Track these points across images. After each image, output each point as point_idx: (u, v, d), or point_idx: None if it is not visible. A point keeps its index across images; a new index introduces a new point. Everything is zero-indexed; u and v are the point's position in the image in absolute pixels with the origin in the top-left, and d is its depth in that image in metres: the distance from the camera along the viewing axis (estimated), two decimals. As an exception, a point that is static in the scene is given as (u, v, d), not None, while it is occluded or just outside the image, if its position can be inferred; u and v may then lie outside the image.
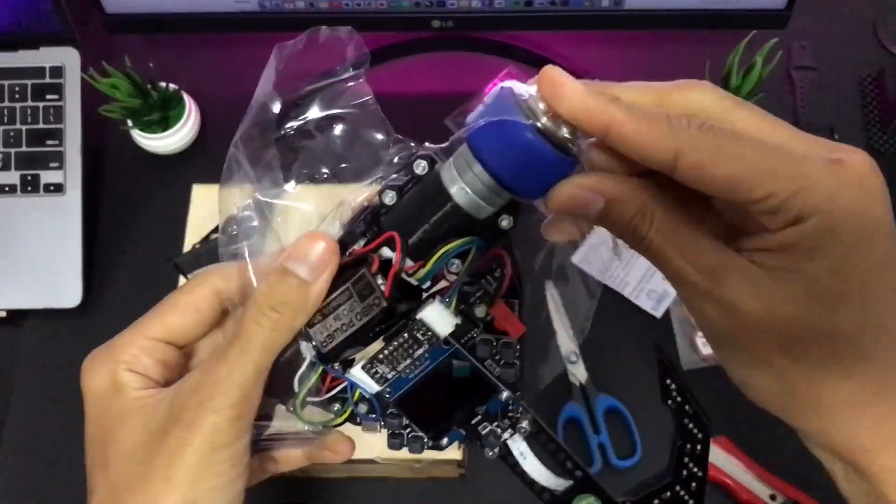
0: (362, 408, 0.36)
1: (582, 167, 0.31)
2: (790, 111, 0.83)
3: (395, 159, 0.34)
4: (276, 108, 0.35)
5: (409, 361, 0.34)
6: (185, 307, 0.36)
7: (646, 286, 0.76)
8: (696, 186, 0.28)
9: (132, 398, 0.34)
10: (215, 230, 0.76)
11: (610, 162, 0.30)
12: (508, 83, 0.30)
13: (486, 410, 0.36)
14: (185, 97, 0.81)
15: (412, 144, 0.34)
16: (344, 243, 0.34)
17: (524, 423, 0.36)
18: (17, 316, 0.78)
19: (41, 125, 0.79)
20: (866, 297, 0.28)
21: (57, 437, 0.73)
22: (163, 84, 0.78)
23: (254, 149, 0.35)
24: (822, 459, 0.32)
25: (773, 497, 0.67)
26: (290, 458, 0.39)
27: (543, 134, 0.29)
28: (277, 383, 0.35)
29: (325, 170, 0.36)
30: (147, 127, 0.79)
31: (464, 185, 0.31)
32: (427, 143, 0.33)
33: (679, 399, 0.36)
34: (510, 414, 0.36)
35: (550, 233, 0.33)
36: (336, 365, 0.35)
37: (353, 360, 0.35)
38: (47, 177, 0.78)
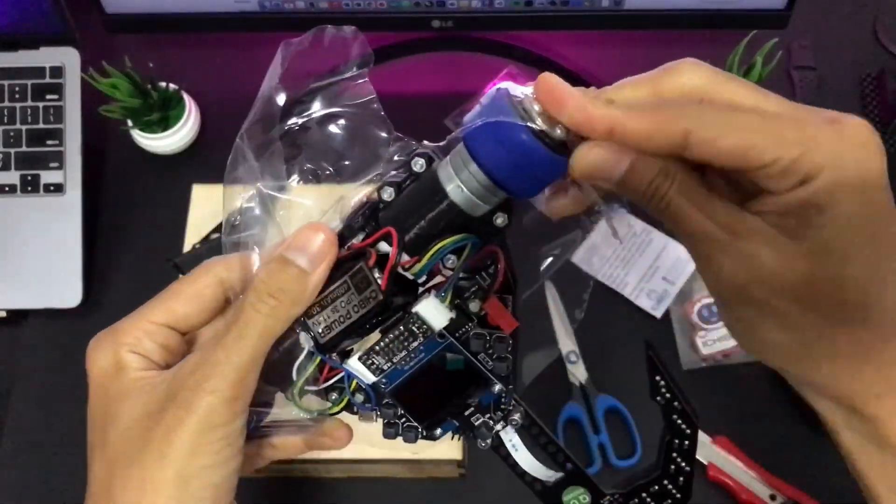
0: (359, 397, 0.36)
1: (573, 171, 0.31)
2: (790, 111, 0.83)
3: (395, 157, 0.35)
4: (281, 101, 0.36)
5: (404, 353, 0.35)
6: (189, 294, 0.37)
7: (646, 286, 0.76)
8: (707, 161, 0.29)
9: (133, 378, 0.35)
10: (215, 230, 0.76)
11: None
12: (504, 84, 0.31)
13: (478, 402, 0.36)
14: (185, 97, 0.81)
15: (412, 143, 0.35)
16: (343, 237, 0.35)
17: (516, 416, 0.37)
18: (17, 316, 0.78)
19: (41, 125, 0.79)
20: (874, 248, 0.29)
21: (57, 437, 0.74)
22: (163, 84, 0.78)
23: (258, 142, 0.36)
24: (823, 410, 0.34)
25: (773, 497, 0.67)
26: (288, 445, 0.39)
27: (537, 135, 0.30)
28: (277, 372, 0.36)
29: (325, 165, 0.37)
30: (147, 127, 0.79)
31: (460, 183, 0.32)
32: (425, 142, 0.34)
33: (668, 395, 0.37)
34: (503, 406, 0.37)
35: (553, 208, 0.34)
36: (334, 355, 0.35)
37: (351, 350, 0.36)
38: (47, 177, 0.78)
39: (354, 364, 0.35)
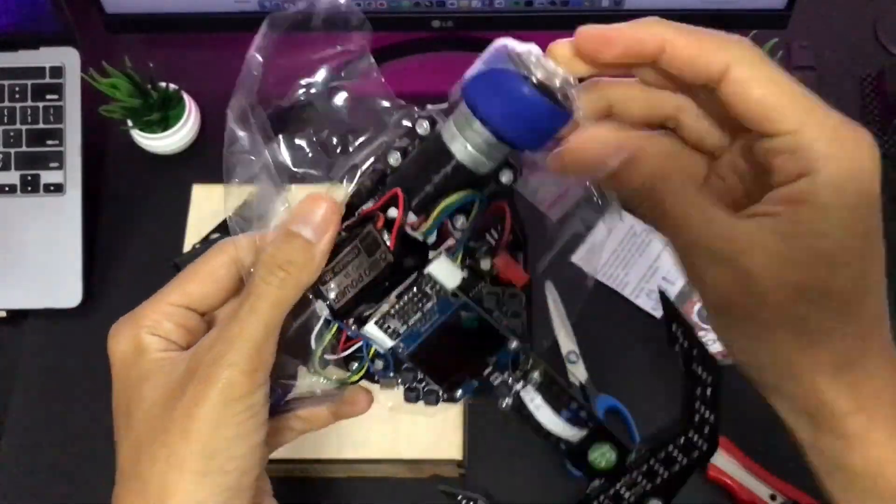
0: (378, 364, 0.37)
1: (576, 123, 0.32)
2: (790, 111, 0.83)
3: (401, 122, 0.35)
4: (257, 71, 0.36)
5: (419, 315, 0.35)
6: (205, 275, 0.38)
7: (646, 286, 0.76)
8: (733, 106, 0.30)
9: (154, 359, 0.35)
10: (215, 230, 0.76)
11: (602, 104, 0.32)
12: (503, 41, 0.31)
13: (496, 361, 0.36)
14: (185, 97, 0.81)
15: (415, 109, 0.35)
16: (352, 206, 0.36)
17: (535, 374, 0.37)
18: (17, 316, 0.78)
19: (41, 125, 0.79)
20: (864, 258, 0.29)
21: (57, 438, 0.73)
22: (163, 84, 0.78)
23: (245, 115, 0.36)
24: (794, 425, 0.33)
25: (773, 497, 0.67)
26: (316, 416, 0.40)
27: (536, 86, 0.30)
28: (298, 346, 0.36)
29: (326, 133, 0.37)
30: (147, 127, 0.79)
31: (464, 140, 0.32)
32: (429, 105, 0.35)
33: (686, 344, 0.35)
34: (521, 366, 0.37)
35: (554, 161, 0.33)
36: (350, 322, 0.36)
37: (368, 317, 0.36)
38: (47, 177, 0.78)
39: (371, 329, 0.36)
